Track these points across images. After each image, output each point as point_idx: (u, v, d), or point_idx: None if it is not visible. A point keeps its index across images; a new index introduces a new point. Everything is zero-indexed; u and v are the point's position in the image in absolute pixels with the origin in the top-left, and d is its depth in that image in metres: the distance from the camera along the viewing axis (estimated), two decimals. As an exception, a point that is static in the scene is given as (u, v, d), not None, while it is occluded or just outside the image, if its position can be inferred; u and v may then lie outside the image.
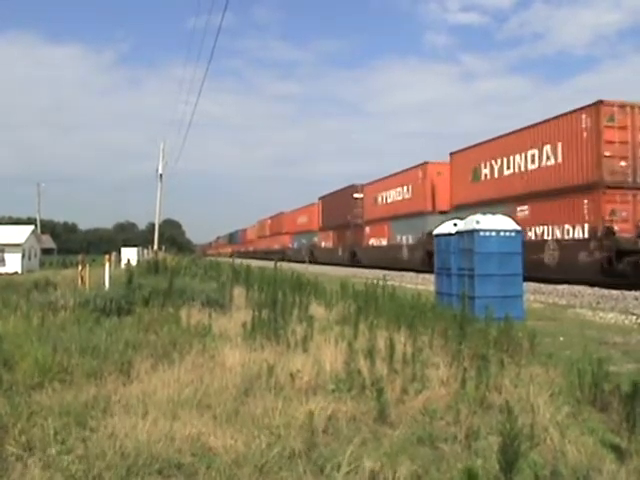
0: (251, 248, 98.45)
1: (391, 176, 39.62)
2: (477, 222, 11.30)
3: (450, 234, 12.23)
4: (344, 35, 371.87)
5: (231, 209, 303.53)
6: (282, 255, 66.90)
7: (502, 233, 11.23)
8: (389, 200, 39.46)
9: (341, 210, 48.71)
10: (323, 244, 55.39)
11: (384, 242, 40.06)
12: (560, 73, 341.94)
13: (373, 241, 42.42)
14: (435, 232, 13.27)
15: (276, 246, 75.63)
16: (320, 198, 56.94)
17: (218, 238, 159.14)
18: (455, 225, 12.22)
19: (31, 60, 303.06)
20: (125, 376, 5.69)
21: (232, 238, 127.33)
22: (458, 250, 11.85)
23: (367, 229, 43.71)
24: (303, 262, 53.96)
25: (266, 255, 77.68)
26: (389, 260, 37.52)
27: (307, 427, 3.99)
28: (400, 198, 37.35)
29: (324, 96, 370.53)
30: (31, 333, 7.31)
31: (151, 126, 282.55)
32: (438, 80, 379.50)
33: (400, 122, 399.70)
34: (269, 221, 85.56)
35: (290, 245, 69.40)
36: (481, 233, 11.15)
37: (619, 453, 3.83)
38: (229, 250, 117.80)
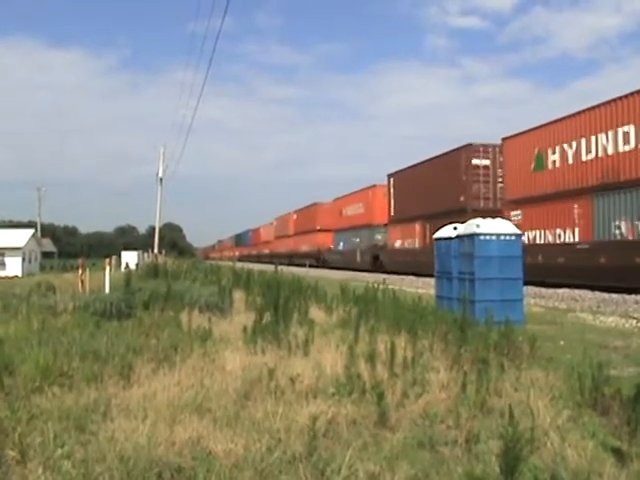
0: (266, 251, 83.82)
1: (596, 107, 20.59)
2: (477, 226, 11.31)
3: (450, 238, 12.24)
4: (344, 39, 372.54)
5: (232, 212, 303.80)
6: (316, 260, 54.46)
7: (502, 237, 11.24)
8: (589, 155, 20.67)
9: (441, 188, 30.32)
10: (399, 244, 37.08)
11: (578, 238, 20.93)
12: (561, 77, 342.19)
13: (538, 236, 23.07)
14: (435, 236, 13.27)
15: (305, 248, 60.22)
16: (391, 175, 38.64)
17: (219, 242, 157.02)
18: (455, 229, 12.23)
19: (32, 64, 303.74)
20: (125, 380, 5.68)
21: (240, 240, 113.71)
22: (458, 254, 11.86)
23: (514, 215, 24.33)
24: (359, 270, 41.42)
25: (290, 260, 63.29)
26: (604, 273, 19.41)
27: (308, 431, 3.98)
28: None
29: (324, 100, 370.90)
30: (31, 337, 7.32)
31: (152, 130, 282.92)
32: (438, 83, 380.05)
33: (400, 125, 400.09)
34: (294, 216, 67.82)
35: (331, 246, 53.14)
36: (481, 237, 11.16)
37: (620, 457, 3.83)
38: (236, 253, 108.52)
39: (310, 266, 49.00)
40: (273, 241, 79.46)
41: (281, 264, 61.89)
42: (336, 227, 51.73)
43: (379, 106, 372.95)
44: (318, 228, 56.04)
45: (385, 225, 39.84)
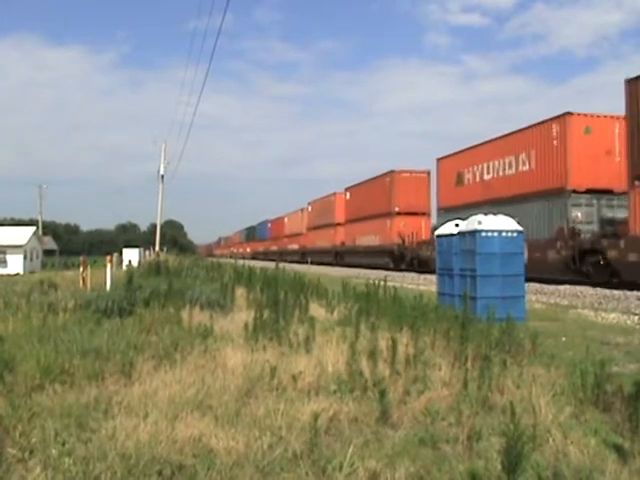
0: (294, 246, 66.92)
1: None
2: (479, 222, 11.30)
3: (452, 234, 12.23)
4: (345, 36, 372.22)
5: (233, 210, 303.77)
6: (394, 258, 37.88)
7: (504, 233, 11.22)
8: None
9: None
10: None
11: None
12: (561, 73, 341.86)
13: None
14: (437, 233, 13.26)
15: (371, 241, 41.43)
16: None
17: (220, 238, 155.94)
18: (457, 225, 12.22)
19: (33, 62, 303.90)
20: (126, 377, 5.68)
21: (252, 234, 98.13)
22: (460, 251, 11.84)
23: None
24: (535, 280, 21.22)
25: (338, 258, 49.45)
26: None
27: (309, 428, 3.97)
28: None
29: (326, 97, 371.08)
30: (32, 334, 7.31)
31: (153, 127, 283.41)
32: (439, 81, 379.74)
33: (401, 122, 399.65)
34: (346, 196, 49.01)
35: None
36: (483, 233, 11.14)
37: (622, 454, 3.81)
38: (247, 250, 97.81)
39: (378, 268, 36.92)
40: (306, 234, 61.43)
41: (320, 263, 49.78)
42: (446, 205, 31.67)
43: (381, 103, 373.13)
44: (397, 210, 38.01)
45: (601, 192, 22.09)
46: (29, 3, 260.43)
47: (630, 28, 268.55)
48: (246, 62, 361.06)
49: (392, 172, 39.10)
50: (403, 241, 37.12)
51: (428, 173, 37.96)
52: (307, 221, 61.64)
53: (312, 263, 49.37)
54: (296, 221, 66.93)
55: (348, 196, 48.72)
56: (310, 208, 61.10)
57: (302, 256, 58.92)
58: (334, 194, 52.57)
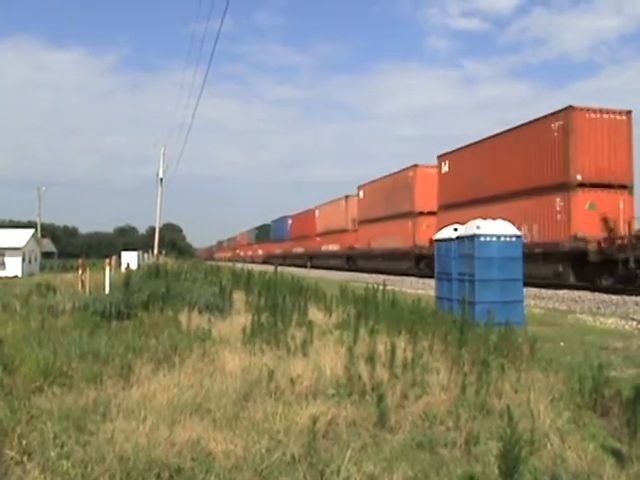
0: (332, 247, 50.65)
1: None
2: (477, 227, 11.31)
3: (450, 239, 12.24)
4: (345, 39, 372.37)
5: (232, 213, 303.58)
6: (586, 268, 20.73)
7: (502, 238, 11.24)
8: None
9: None
10: None
11: None
12: (561, 78, 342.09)
13: None
14: (435, 237, 13.29)
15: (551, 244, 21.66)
16: None
17: (222, 242, 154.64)
18: (455, 230, 12.24)
19: (33, 64, 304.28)
20: (125, 380, 5.67)
21: (265, 233, 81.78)
22: (458, 255, 11.85)
23: None
24: None
25: (425, 266, 31.14)
26: None
27: (307, 432, 3.97)
28: None
29: (325, 100, 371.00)
30: (31, 337, 7.31)
31: (152, 130, 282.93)
32: (439, 84, 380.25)
33: (401, 126, 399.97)
34: (442, 167, 30.45)
35: None
36: (481, 238, 11.16)
37: (620, 458, 3.82)
38: (258, 252, 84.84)
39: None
40: (354, 230, 44.67)
41: (383, 272, 33.01)
42: None
43: (380, 107, 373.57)
44: (579, 180, 21.14)
45: None
46: (30, 4, 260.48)
47: (629, 33, 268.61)
48: (246, 65, 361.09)
49: (569, 109, 21.66)
50: (610, 233, 20.40)
51: (629, 113, 21.96)
52: (356, 213, 44.36)
53: (375, 271, 37.72)
54: (335, 214, 49.79)
55: (446, 168, 29.69)
56: (362, 194, 43.34)
57: (348, 260, 45.63)
58: (414, 167, 34.43)
